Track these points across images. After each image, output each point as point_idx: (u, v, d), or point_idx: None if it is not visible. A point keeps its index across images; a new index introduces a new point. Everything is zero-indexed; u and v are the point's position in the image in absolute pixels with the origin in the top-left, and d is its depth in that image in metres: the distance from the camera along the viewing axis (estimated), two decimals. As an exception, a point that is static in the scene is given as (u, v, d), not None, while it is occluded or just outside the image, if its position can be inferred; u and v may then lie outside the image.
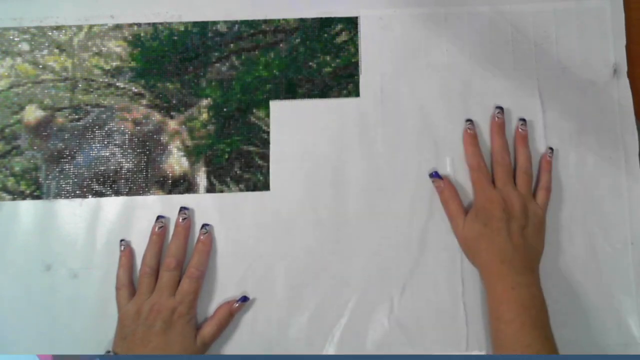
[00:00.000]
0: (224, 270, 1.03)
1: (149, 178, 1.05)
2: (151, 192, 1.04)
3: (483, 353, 1.01)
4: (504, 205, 0.98)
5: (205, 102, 1.06)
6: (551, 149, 1.05)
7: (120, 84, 1.07)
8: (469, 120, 1.07)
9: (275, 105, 1.07)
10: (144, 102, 1.07)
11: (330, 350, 1.01)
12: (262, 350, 1.00)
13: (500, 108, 1.06)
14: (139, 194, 1.04)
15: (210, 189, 1.05)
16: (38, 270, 1.02)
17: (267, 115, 1.06)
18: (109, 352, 0.95)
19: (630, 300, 1.02)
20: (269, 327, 1.01)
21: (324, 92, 1.07)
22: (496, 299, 0.95)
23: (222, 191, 1.05)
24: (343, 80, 1.08)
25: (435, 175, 1.05)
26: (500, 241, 0.96)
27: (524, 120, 1.06)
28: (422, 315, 1.02)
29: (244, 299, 1.01)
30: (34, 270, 1.02)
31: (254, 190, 1.05)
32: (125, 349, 0.93)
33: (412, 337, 1.01)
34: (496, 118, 1.06)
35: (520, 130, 1.06)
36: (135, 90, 1.07)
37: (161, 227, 1.02)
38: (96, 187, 1.04)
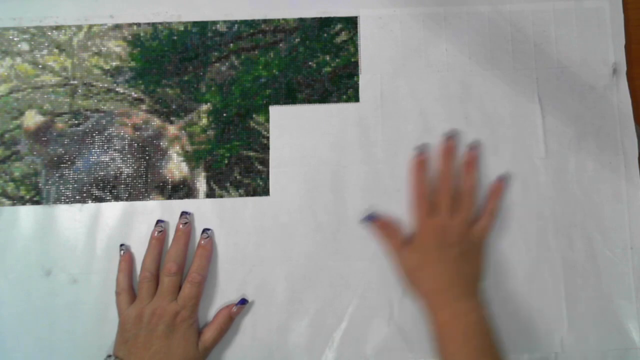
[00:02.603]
0: (224, 275, 1.03)
1: (148, 183, 1.04)
2: (151, 197, 1.04)
3: (482, 358, 1.01)
4: (442, 234, 0.99)
5: (204, 107, 1.06)
6: (505, 177, 1.06)
7: (120, 89, 1.07)
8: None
9: (274, 111, 1.07)
10: (144, 107, 1.06)
11: (330, 356, 1.01)
12: (263, 355, 1.01)
13: (451, 134, 1.07)
14: (139, 199, 1.04)
15: (210, 194, 1.05)
16: (38, 275, 1.02)
17: (267, 120, 1.06)
18: (109, 356, 0.95)
19: (629, 305, 1.03)
20: (269, 332, 1.01)
21: (323, 97, 1.07)
22: (438, 330, 0.95)
23: (221, 196, 1.05)
24: (343, 82, 1.08)
25: (367, 219, 1.04)
26: (437, 271, 0.97)
27: (475, 143, 1.07)
28: (422, 320, 1.01)
29: (243, 301, 1.01)
30: (33, 276, 1.02)
31: (253, 195, 1.05)
32: (127, 352, 0.94)
33: (412, 342, 1.01)
34: (447, 142, 1.06)
35: (470, 153, 1.06)
36: (135, 95, 1.07)
37: (160, 231, 1.02)
38: (96, 192, 1.04)
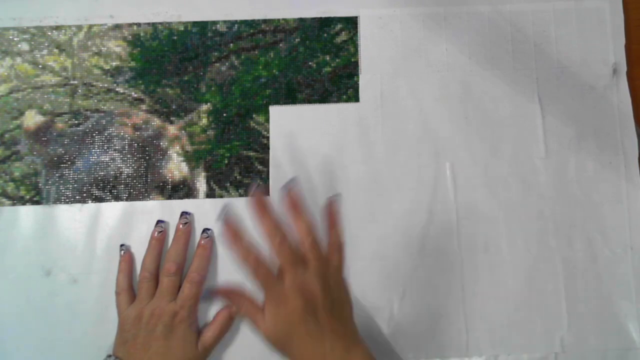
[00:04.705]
0: (224, 275, 1.03)
1: (148, 183, 1.04)
2: (151, 197, 1.04)
3: (483, 359, 1.01)
4: (304, 302, 0.83)
5: (204, 107, 1.06)
6: (334, 197, 0.93)
7: (120, 89, 1.07)
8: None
9: (274, 111, 1.07)
10: (144, 107, 1.06)
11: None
12: (263, 355, 1.00)
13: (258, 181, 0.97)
14: (139, 199, 1.04)
15: (210, 194, 1.05)
16: (38, 275, 1.02)
17: (267, 120, 1.06)
18: (109, 356, 0.94)
19: (630, 305, 1.02)
20: (269, 332, 1.01)
21: (323, 97, 1.07)
22: None
23: (221, 196, 1.05)
24: (343, 82, 1.08)
25: (205, 297, 0.99)
26: (314, 343, 0.84)
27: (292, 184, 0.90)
28: (422, 321, 1.02)
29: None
30: (33, 276, 1.02)
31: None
32: (126, 353, 0.93)
33: (412, 343, 1.01)
34: (254, 197, 0.88)
35: (290, 198, 0.89)
36: (135, 95, 1.07)
37: (160, 231, 1.02)
38: (96, 192, 1.04)
